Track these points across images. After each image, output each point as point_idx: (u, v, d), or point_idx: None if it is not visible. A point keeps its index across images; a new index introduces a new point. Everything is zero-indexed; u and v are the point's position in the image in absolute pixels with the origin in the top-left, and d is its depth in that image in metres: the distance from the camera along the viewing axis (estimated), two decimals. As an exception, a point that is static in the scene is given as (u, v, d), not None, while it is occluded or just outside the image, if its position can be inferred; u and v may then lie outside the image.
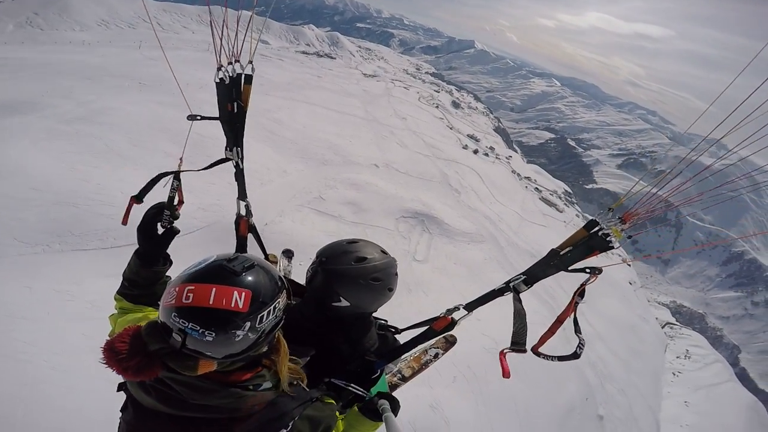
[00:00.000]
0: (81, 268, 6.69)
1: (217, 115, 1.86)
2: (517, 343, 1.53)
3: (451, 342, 2.63)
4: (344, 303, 1.73)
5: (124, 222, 1.72)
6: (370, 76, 65.16)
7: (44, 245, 7.00)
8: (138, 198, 1.74)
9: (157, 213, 1.56)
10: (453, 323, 1.78)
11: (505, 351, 1.55)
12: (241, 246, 2.06)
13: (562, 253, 1.56)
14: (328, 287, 1.74)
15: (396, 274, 1.90)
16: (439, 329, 1.80)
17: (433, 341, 2.28)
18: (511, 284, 1.65)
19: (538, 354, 1.56)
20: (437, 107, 63.58)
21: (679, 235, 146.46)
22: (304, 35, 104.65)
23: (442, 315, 1.79)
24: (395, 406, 1.55)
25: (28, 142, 9.89)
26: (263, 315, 1.07)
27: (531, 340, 1.55)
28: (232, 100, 1.77)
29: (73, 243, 7.28)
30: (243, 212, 2.04)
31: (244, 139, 1.95)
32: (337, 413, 1.45)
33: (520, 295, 1.64)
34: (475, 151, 43.58)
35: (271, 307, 1.10)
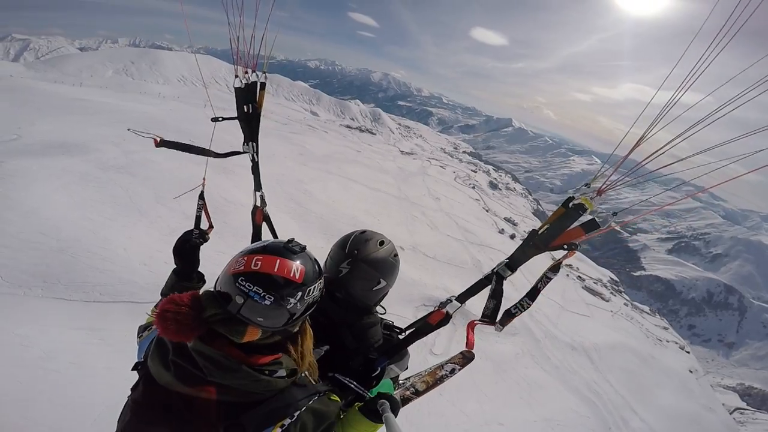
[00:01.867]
0: (54, 316, 6.59)
1: (235, 118, 2.25)
2: (487, 317, 1.72)
3: (468, 358, 2.61)
4: (383, 283, 1.97)
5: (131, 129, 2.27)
6: (407, 154, 68.63)
7: (26, 288, 7.01)
8: (161, 142, 2.12)
9: (188, 235, 1.87)
10: (448, 316, 1.91)
11: (475, 322, 1.74)
12: (257, 234, 2.31)
13: (540, 232, 1.59)
14: (370, 274, 1.92)
15: None
16: (434, 323, 1.93)
17: (449, 357, 2.51)
18: (496, 270, 1.75)
19: (472, 328, 1.75)
20: (474, 188, 64.71)
21: (744, 318, 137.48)
22: (349, 110, 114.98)
23: (437, 309, 1.91)
24: (395, 406, 1.57)
25: (58, 185, 10.38)
26: (311, 289, 1.27)
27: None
28: (248, 102, 2.14)
29: (56, 291, 7.23)
30: (258, 203, 2.29)
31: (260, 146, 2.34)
32: (340, 411, 1.51)
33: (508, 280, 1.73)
34: (512, 236, 42.52)
35: (315, 285, 1.29)
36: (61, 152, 12.61)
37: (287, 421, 1.24)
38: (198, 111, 32.65)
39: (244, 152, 2.30)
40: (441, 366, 2.76)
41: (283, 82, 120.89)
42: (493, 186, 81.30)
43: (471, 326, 1.78)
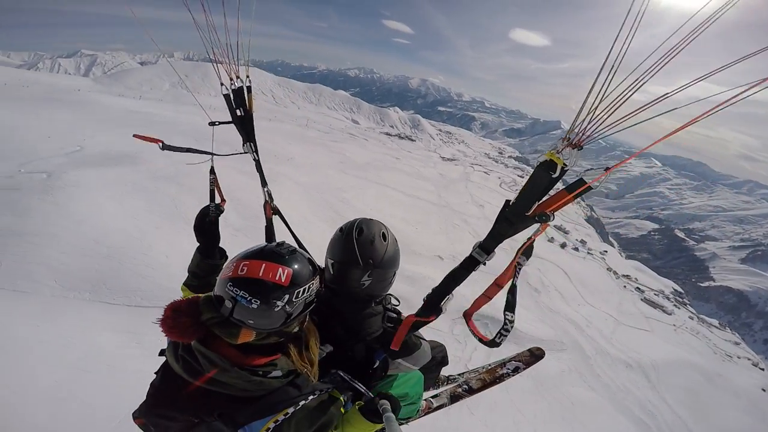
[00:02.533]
0: (97, 319, 6.95)
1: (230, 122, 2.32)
2: (431, 304, 1.53)
3: (537, 356, 2.43)
4: (395, 271, 2.00)
5: (136, 136, 2.20)
6: (449, 160, 67.74)
7: (76, 292, 7.51)
8: (163, 146, 2.19)
9: (204, 210, 1.94)
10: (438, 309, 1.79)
11: (413, 316, 1.58)
12: (269, 228, 2.37)
13: (511, 201, 1.29)
14: (388, 273, 1.93)
15: None
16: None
17: (514, 354, 2.40)
18: (471, 254, 1.47)
19: (468, 320, 1.54)
20: (519, 194, 62.32)
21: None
22: (388, 117, 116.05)
23: (425, 300, 1.74)
24: (396, 406, 1.55)
25: (110, 194, 11.18)
26: (299, 291, 1.29)
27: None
28: (239, 106, 2.22)
29: (102, 295, 7.67)
30: (267, 198, 2.36)
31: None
32: (342, 409, 1.54)
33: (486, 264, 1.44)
34: (563, 245, 40.41)
35: (306, 287, 1.32)
36: (115, 163, 13.70)
37: (281, 418, 1.28)
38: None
39: (244, 152, 2.40)
40: (503, 363, 2.59)
41: (325, 92, 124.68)
42: (541, 192, 78.10)
43: (407, 321, 1.60)
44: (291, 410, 1.31)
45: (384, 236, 1.93)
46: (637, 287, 41.88)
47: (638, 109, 1.04)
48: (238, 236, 11.77)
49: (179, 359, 1.30)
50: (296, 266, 1.31)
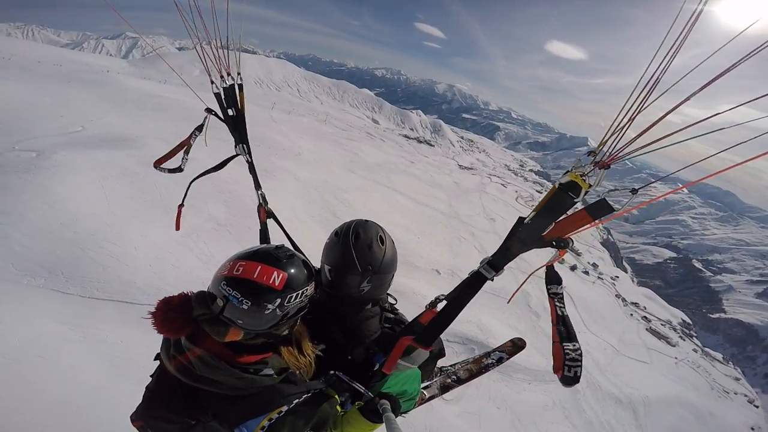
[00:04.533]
0: (44, 308, 6.59)
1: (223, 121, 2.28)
2: (417, 332, 1.54)
3: (519, 347, 2.52)
4: (394, 272, 1.94)
5: (177, 228, 2.45)
6: (466, 169, 66.44)
7: (30, 277, 7.17)
8: (182, 204, 2.42)
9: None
10: None
11: (408, 339, 1.54)
12: (263, 231, 2.32)
13: (526, 220, 1.28)
14: (388, 277, 1.89)
15: None
16: (425, 322, 1.69)
17: (499, 344, 2.61)
18: (478, 268, 1.46)
19: (558, 374, 1.34)
20: (535, 210, 60.70)
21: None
22: (409, 119, 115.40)
23: (427, 308, 1.73)
24: (395, 406, 1.57)
25: (94, 177, 10.74)
26: (292, 296, 1.30)
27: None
28: (230, 106, 2.19)
29: (56, 283, 7.30)
30: (261, 201, 2.32)
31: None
32: (338, 408, 1.54)
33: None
34: (573, 268, 38.92)
35: (300, 292, 1.32)
36: (111, 145, 13.37)
37: (276, 416, 1.29)
38: (265, 112, 34.02)
39: (236, 155, 2.33)
40: (488, 354, 2.71)
41: (349, 89, 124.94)
42: (558, 210, 75.98)
43: (401, 344, 1.55)
44: (285, 408, 1.31)
45: (381, 240, 1.87)
46: (645, 316, 40.57)
47: (673, 133, 1.00)
48: (221, 232, 11.25)
49: (171, 358, 1.30)
50: (292, 271, 1.31)
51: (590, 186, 1.08)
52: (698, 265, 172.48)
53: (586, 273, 41.97)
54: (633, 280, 68.45)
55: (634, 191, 1.07)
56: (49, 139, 13.12)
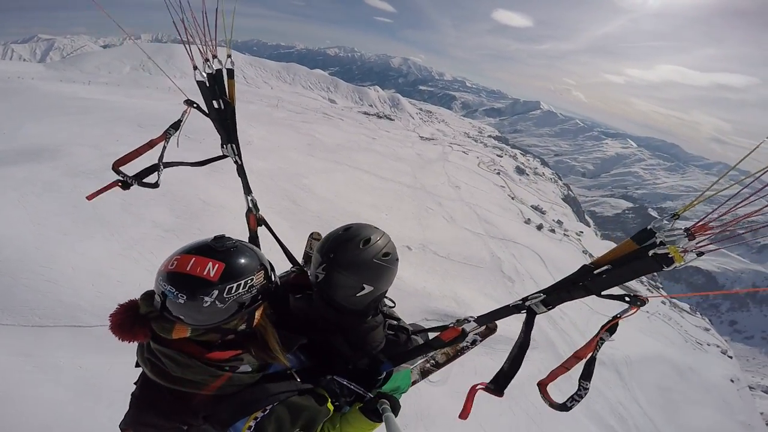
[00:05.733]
0: None
1: (207, 113, 1.95)
2: (498, 384, 1.53)
3: (491, 329, 2.47)
4: (368, 289, 1.75)
5: (89, 198, 1.87)
6: (427, 139, 66.28)
7: None
8: (125, 186, 1.86)
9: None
10: (463, 334, 1.78)
11: (478, 387, 1.55)
12: (253, 239, 2.18)
13: (597, 271, 1.27)
14: (348, 280, 1.71)
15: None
16: (447, 340, 1.80)
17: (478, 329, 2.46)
18: (528, 303, 1.47)
19: (542, 389, 1.50)
20: (499, 174, 61.84)
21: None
22: (367, 96, 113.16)
23: (452, 325, 1.78)
24: (395, 406, 1.58)
25: (14, 197, 9.73)
26: (232, 287, 1.22)
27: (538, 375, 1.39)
28: (217, 97, 1.85)
29: None
30: (251, 206, 2.16)
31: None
32: (330, 406, 1.51)
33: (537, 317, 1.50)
34: (539, 227, 39.99)
35: (242, 282, 1.25)
36: (31, 159, 12.08)
37: (260, 414, 1.26)
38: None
39: (224, 156, 2.09)
40: None
41: (300, 71, 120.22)
42: (520, 171, 77.76)
43: (472, 392, 1.53)
44: (270, 407, 1.28)
45: (367, 242, 1.73)
46: (610, 267, 42.27)
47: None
48: (168, 238, 10.34)
49: (147, 362, 1.27)
50: (231, 261, 1.25)
51: (685, 262, 1.10)
52: (654, 213, 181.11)
53: (552, 231, 43.23)
54: (596, 234, 71.89)
55: (700, 254, 1.11)
56: (-48, 160, 11.51)
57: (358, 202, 19.52)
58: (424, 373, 2.68)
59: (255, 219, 2.18)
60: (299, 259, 2.41)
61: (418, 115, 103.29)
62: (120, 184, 1.85)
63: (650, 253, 1.13)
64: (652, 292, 44.07)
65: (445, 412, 9.83)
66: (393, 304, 2.21)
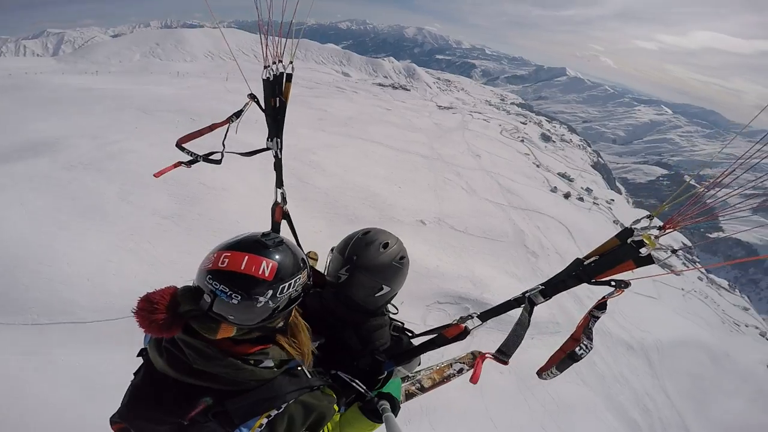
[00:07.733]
0: None
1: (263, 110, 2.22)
2: (503, 353, 1.60)
3: (475, 361, 2.30)
4: (386, 289, 1.92)
5: (157, 175, 2.05)
6: (446, 108, 63.69)
7: None
8: (188, 163, 2.11)
9: None
10: (466, 332, 1.83)
11: (486, 355, 1.64)
12: (275, 232, 2.26)
13: (586, 263, 1.51)
14: (370, 281, 1.87)
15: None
16: (450, 336, 1.84)
17: (459, 356, 2.74)
18: (527, 295, 1.66)
19: (543, 376, 1.64)
20: (523, 141, 59.09)
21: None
22: (382, 67, 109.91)
23: (455, 322, 1.83)
24: (395, 406, 1.64)
25: (11, 195, 9.70)
26: (284, 286, 1.21)
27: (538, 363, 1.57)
28: (275, 95, 2.12)
29: None
30: (279, 200, 2.31)
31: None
32: (335, 407, 1.49)
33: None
34: (567, 195, 37.96)
35: (292, 281, 1.24)
36: (30, 154, 12.18)
37: (274, 412, 1.23)
38: (218, 85, 31.57)
39: (267, 149, 2.27)
40: (449, 364, 2.88)
41: (311, 46, 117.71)
42: (546, 138, 74.24)
43: (481, 359, 1.67)
44: (284, 406, 1.25)
45: (386, 246, 1.90)
46: (644, 243, 39.70)
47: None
48: (166, 225, 10.00)
49: (163, 352, 1.23)
50: (282, 259, 1.22)
51: (658, 246, 1.31)
52: (691, 181, 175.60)
53: (581, 200, 41.02)
54: (628, 201, 68.33)
55: (673, 251, 1.38)
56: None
57: (369, 175, 18.50)
58: (408, 396, 2.68)
59: (281, 212, 2.28)
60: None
61: (435, 84, 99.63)
62: (184, 163, 2.08)
63: (628, 240, 1.38)
64: (687, 266, 41.37)
65: (451, 407, 9.14)
66: (396, 311, 2.28)
